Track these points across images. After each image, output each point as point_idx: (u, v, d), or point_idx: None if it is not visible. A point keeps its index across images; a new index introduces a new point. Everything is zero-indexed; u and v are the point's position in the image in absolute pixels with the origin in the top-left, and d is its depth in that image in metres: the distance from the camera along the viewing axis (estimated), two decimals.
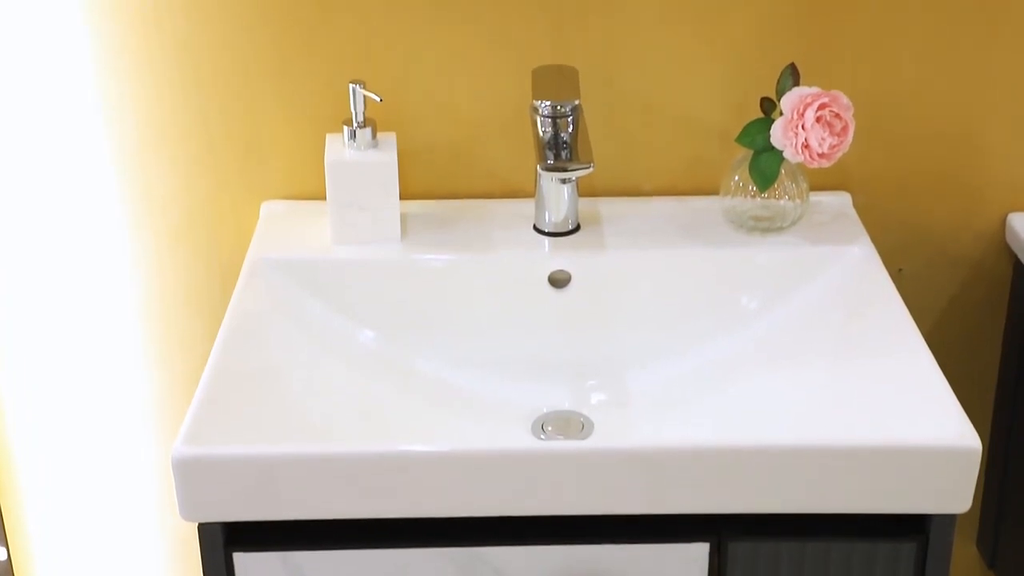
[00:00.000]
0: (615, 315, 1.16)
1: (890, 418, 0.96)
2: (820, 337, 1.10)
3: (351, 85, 1.12)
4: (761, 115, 1.14)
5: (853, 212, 1.22)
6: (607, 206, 1.23)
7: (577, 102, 1.07)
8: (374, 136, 1.14)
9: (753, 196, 1.16)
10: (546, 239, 1.18)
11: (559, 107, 1.06)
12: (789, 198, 1.16)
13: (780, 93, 1.12)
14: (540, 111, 1.07)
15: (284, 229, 1.20)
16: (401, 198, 1.22)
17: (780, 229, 1.17)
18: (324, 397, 1.07)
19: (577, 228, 1.19)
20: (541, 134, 1.07)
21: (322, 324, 1.13)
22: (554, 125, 1.06)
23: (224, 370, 1.00)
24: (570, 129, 1.06)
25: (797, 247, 1.15)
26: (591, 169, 1.02)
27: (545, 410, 1.13)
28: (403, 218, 1.20)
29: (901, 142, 1.24)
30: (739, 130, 1.16)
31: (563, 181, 1.12)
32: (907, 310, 1.07)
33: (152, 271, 1.28)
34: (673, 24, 1.17)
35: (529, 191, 1.21)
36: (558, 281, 1.16)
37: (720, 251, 1.15)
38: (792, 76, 1.12)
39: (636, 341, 1.16)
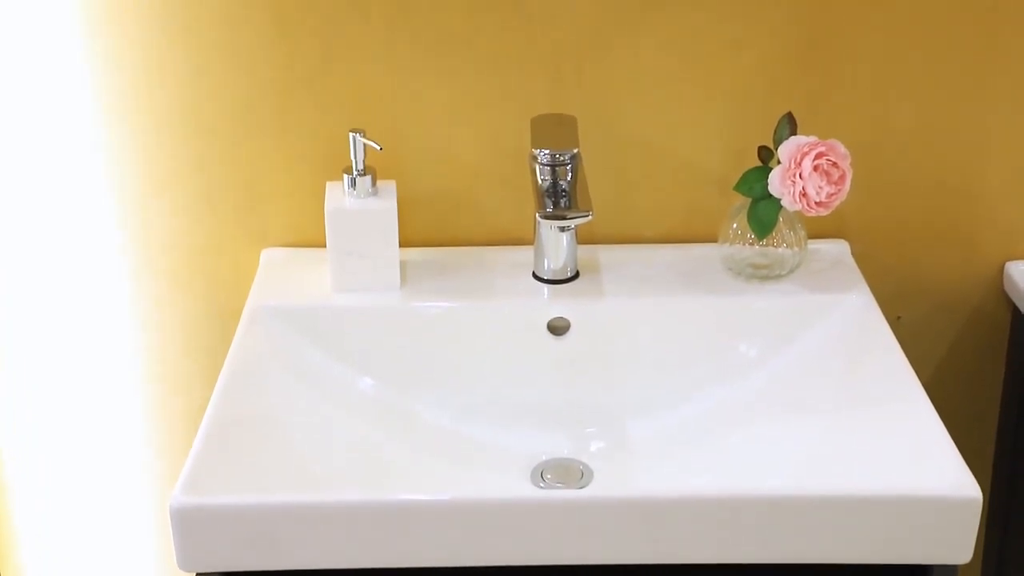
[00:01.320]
0: (614, 362, 1.17)
1: (890, 468, 0.97)
2: (819, 385, 1.11)
3: (351, 134, 1.13)
4: (759, 163, 1.15)
5: (851, 260, 1.23)
6: (606, 253, 1.24)
7: (576, 150, 1.08)
8: (374, 184, 1.16)
9: (751, 244, 1.17)
10: (545, 286, 1.19)
11: (558, 155, 1.08)
12: (787, 246, 1.17)
13: (777, 142, 1.14)
14: (539, 159, 1.08)
15: (284, 276, 1.21)
16: (401, 245, 1.23)
17: (779, 277, 1.18)
18: (323, 446, 1.07)
19: (576, 275, 1.20)
20: (540, 182, 1.08)
21: (321, 372, 1.14)
22: (553, 173, 1.07)
23: (223, 418, 1.00)
24: (569, 177, 1.08)
25: (796, 295, 1.16)
26: (590, 217, 1.03)
27: (544, 458, 1.13)
28: (403, 265, 1.21)
29: (899, 191, 1.25)
30: (738, 177, 1.18)
31: (562, 229, 1.13)
32: (906, 358, 1.08)
33: (151, 316, 1.29)
34: (672, 72, 1.18)
35: (528, 239, 1.22)
36: (557, 328, 1.16)
37: (719, 299, 1.16)
38: (789, 125, 1.14)
39: (635, 388, 1.17)
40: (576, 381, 1.17)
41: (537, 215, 1.05)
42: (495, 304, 1.16)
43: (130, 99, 1.18)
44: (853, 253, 1.24)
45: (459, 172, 1.23)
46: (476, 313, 1.16)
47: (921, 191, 1.25)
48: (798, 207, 1.10)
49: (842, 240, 1.25)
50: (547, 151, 1.07)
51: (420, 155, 1.22)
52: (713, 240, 1.23)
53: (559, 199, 1.06)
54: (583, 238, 1.22)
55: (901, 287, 1.30)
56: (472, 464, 1.12)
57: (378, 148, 1.12)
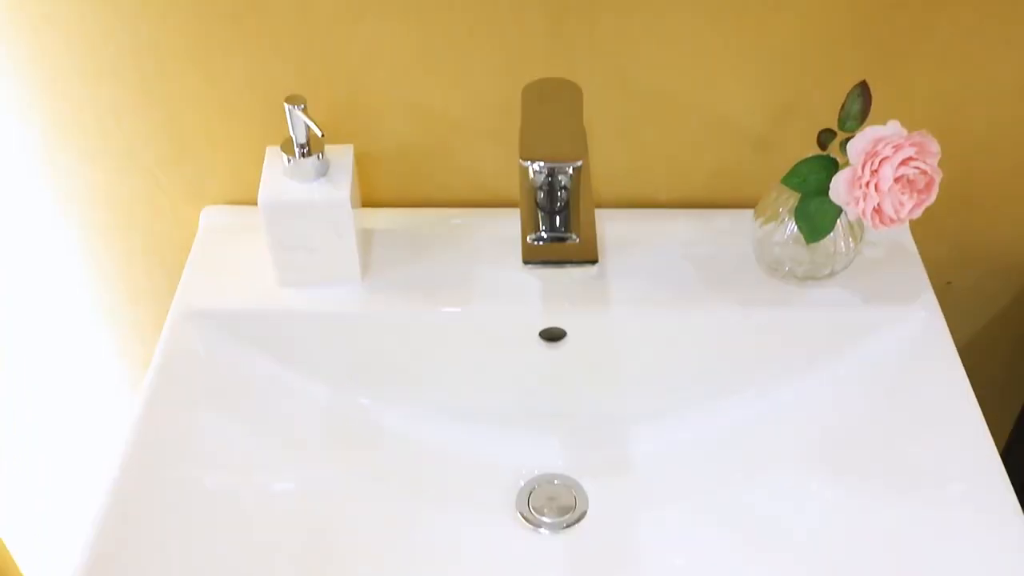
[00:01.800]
0: (616, 378, 0.80)
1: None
2: (861, 437, 0.75)
3: (287, 106, 0.71)
4: (798, 134, 0.73)
5: (912, 244, 0.83)
6: (613, 224, 0.84)
7: (580, 162, 0.66)
8: (321, 157, 0.74)
9: (795, 236, 0.77)
10: (537, 281, 0.79)
11: (557, 170, 0.66)
12: (841, 241, 0.77)
13: (844, 120, 0.71)
14: (532, 172, 0.66)
15: (222, 252, 0.82)
16: (368, 205, 0.83)
17: (824, 278, 0.79)
18: (263, 507, 0.72)
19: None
20: (531, 200, 0.67)
21: (264, 388, 0.77)
22: (550, 193, 0.66)
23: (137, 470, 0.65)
24: (568, 200, 0.66)
25: (842, 308, 0.78)
26: (594, 268, 0.63)
27: (535, 486, 0.79)
28: (366, 238, 0.81)
29: (973, 148, 0.83)
30: (775, 138, 0.77)
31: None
32: (979, 410, 0.71)
33: (93, 268, 0.91)
34: (697, 13, 0.74)
35: (513, 199, 0.82)
36: (552, 335, 0.79)
37: (747, 311, 0.78)
38: (862, 98, 0.71)
39: (638, 409, 0.80)
40: (572, 394, 0.81)
41: (523, 260, 0.65)
42: (477, 309, 0.78)
43: (22, 35, 0.75)
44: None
45: (432, 125, 0.81)
46: (454, 320, 0.78)
47: (983, 152, 0.83)
48: (867, 223, 0.70)
49: None
50: (542, 163, 0.65)
51: (384, 106, 0.80)
52: (741, 205, 0.83)
53: (554, 230, 0.65)
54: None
55: (954, 252, 0.91)
56: (449, 501, 0.78)
57: (320, 134, 0.70)
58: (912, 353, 0.75)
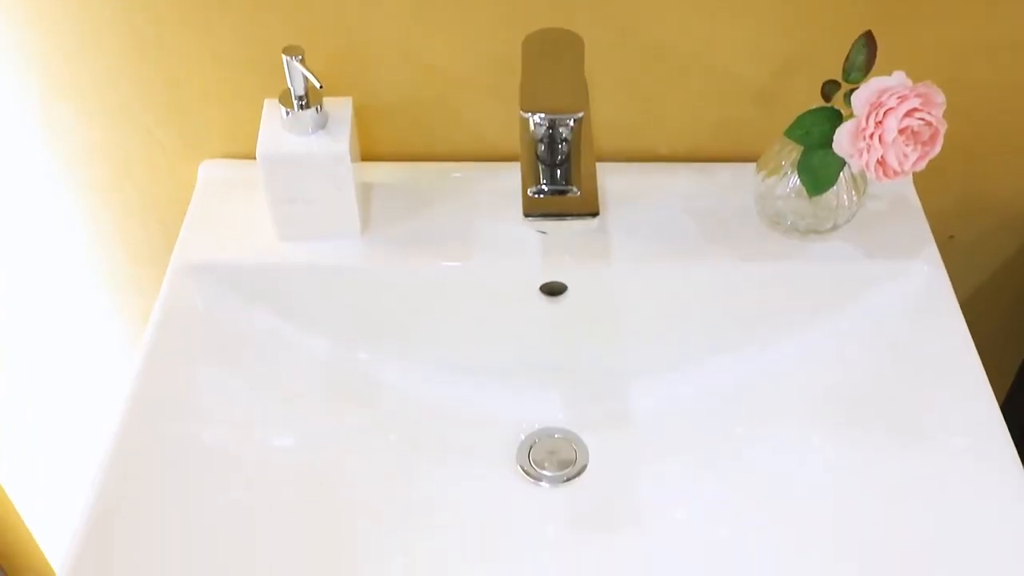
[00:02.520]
0: (618, 331, 0.80)
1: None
2: (863, 391, 0.74)
3: (285, 57, 0.70)
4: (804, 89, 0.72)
5: (915, 197, 0.82)
6: (614, 178, 0.83)
7: (581, 114, 0.65)
8: (320, 110, 0.73)
9: (798, 190, 0.76)
10: (537, 235, 0.78)
11: (557, 122, 0.65)
12: (844, 194, 0.76)
13: (849, 71, 0.70)
14: (533, 123, 0.65)
15: (221, 206, 0.81)
16: (367, 159, 0.83)
17: (827, 231, 0.78)
18: (262, 461, 0.72)
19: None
20: (531, 153, 0.66)
21: (263, 342, 0.77)
22: (550, 145, 0.65)
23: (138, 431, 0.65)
24: (569, 153, 0.65)
25: (843, 262, 0.77)
26: (595, 222, 0.63)
27: (536, 440, 0.79)
28: (366, 191, 0.81)
29: (978, 100, 0.82)
30: (778, 91, 0.76)
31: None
32: (981, 365, 0.71)
33: (90, 227, 0.90)
34: None
35: (514, 153, 0.81)
36: (553, 290, 0.78)
37: (748, 265, 0.77)
38: (867, 48, 0.70)
39: (640, 362, 0.80)
40: (573, 348, 0.80)
41: (524, 213, 0.64)
42: (477, 263, 0.77)
43: None
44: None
45: (432, 77, 0.80)
46: (454, 275, 0.77)
47: (988, 104, 0.82)
48: (871, 175, 0.69)
49: None
50: (543, 115, 0.64)
51: (382, 59, 0.78)
52: (743, 158, 0.82)
53: (555, 183, 0.64)
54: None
55: (957, 205, 0.90)
56: (447, 459, 0.78)
57: (318, 85, 0.69)
58: (914, 307, 0.75)
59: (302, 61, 0.70)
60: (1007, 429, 0.67)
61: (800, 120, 0.72)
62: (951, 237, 0.92)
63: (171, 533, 0.65)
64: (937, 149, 0.69)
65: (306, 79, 0.71)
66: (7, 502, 1.18)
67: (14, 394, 1.06)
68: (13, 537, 1.22)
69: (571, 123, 0.64)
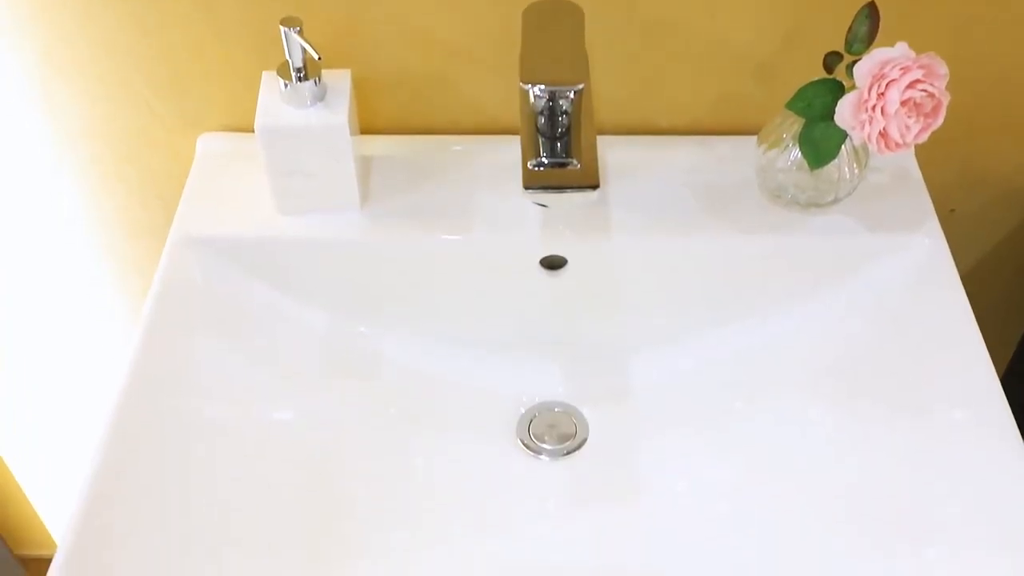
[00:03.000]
0: (618, 304, 0.79)
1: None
2: (864, 364, 0.74)
3: (283, 28, 0.69)
4: (807, 67, 0.72)
5: (916, 170, 0.82)
6: (615, 151, 0.82)
7: (581, 86, 0.64)
8: (318, 82, 0.73)
9: (799, 163, 0.76)
10: (537, 208, 0.78)
11: (558, 94, 0.64)
12: (846, 167, 0.76)
13: (851, 43, 0.70)
14: (533, 96, 0.64)
15: (219, 179, 0.81)
16: (366, 132, 0.82)
17: (828, 204, 0.77)
18: (262, 435, 0.72)
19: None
20: (532, 126, 0.65)
21: (263, 316, 0.77)
22: (551, 117, 0.65)
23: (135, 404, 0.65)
24: (569, 125, 0.65)
25: (844, 235, 0.77)
26: (595, 194, 0.62)
27: (536, 414, 0.79)
28: (366, 164, 0.80)
29: (981, 72, 0.81)
30: (779, 63, 0.76)
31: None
32: (983, 342, 0.71)
33: (89, 202, 0.89)
34: None
35: (513, 126, 0.80)
36: (553, 263, 0.78)
37: (749, 238, 0.77)
38: (869, 20, 0.69)
39: (640, 333, 0.80)
40: (573, 322, 0.80)
41: (523, 185, 0.63)
42: (477, 237, 0.77)
43: None
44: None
45: (431, 49, 0.79)
46: (454, 248, 0.77)
47: (990, 76, 0.81)
48: (872, 148, 0.68)
49: None
50: (543, 87, 0.63)
51: (381, 30, 0.78)
52: (744, 132, 0.82)
53: (555, 155, 0.64)
54: None
55: (958, 178, 0.90)
56: (447, 433, 0.78)
57: (316, 57, 0.69)
58: (915, 280, 0.75)
59: (300, 33, 0.69)
60: (1007, 402, 0.67)
61: (802, 92, 0.71)
62: (952, 210, 0.92)
63: (171, 506, 0.65)
64: (939, 121, 0.68)
65: (304, 51, 0.70)
66: (9, 475, 1.18)
67: (16, 368, 1.06)
68: (15, 510, 1.22)
69: (571, 95, 0.63)
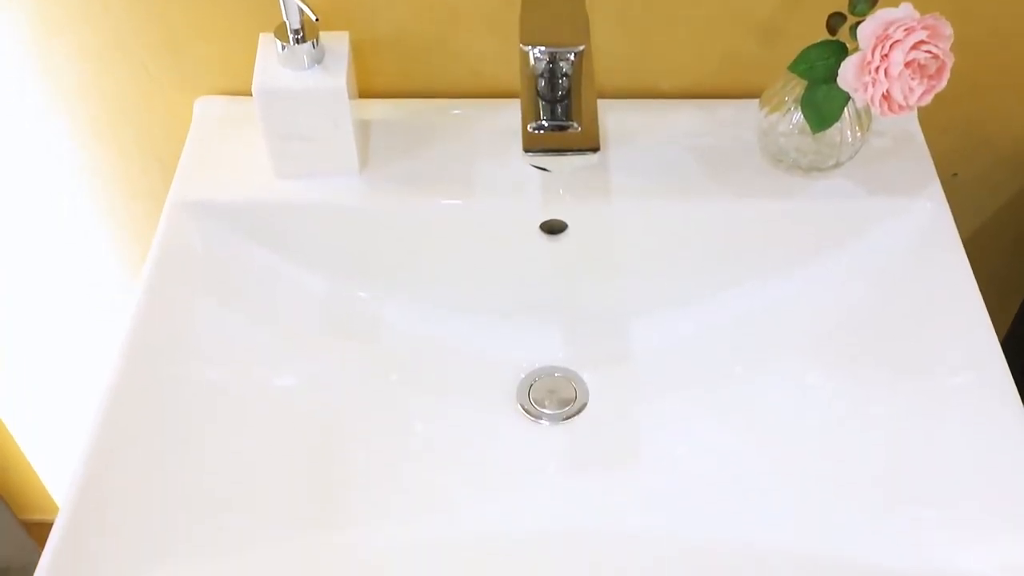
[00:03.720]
0: (618, 268, 0.79)
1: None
2: (865, 329, 0.74)
3: None
4: (815, 30, 0.71)
5: (919, 134, 0.81)
6: (615, 115, 0.82)
7: (582, 47, 0.63)
8: (316, 45, 0.72)
9: (801, 126, 0.75)
10: (537, 172, 0.77)
11: (558, 55, 0.63)
12: (848, 130, 0.75)
13: (855, 3, 0.69)
14: (533, 58, 0.64)
15: (218, 143, 0.80)
16: (365, 96, 0.81)
17: (829, 168, 0.77)
18: (262, 400, 0.72)
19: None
20: (531, 89, 0.65)
21: (261, 280, 0.77)
22: (551, 79, 0.64)
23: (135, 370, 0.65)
24: (569, 88, 0.64)
25: (846, 199, 0.76)
26: (595, 157, 0.62)
27: (536, 379, 0.79)
28: (365, 128, 0.80)
29: (985, 34, 0.80)
30: (782, 26, 0.75)
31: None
32: (981, 301, 0.71)
33: (86, 164, 0.89)
34: None
35: (514, 89, 0.79)
36: (553, 228, 0.78)
37: (750, 202, 0.76)
38: None
39: (639, 298, 0.80)
40: (573, 287, 0.80)
41: (523, 148, 0.63)
42: (477, 201, 0.76)
43: None
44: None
45: (430, 12, 0.78)
46: (454, 213, 0.77)
47: (995, 38, 0.80)
48: (875, 110, 0.68)
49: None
50: (543, 48, 0.63)
51: None
52: (746, 95, 0.81)
53: (555, 118, 0.63)
54: None
55: (962, 141, 0.89)
56: (447, 397, 0.78)
57: (314, 18, 0.68)
58: (917, 245, 0.74)
59: None
60: (1007, 367, 0.67)
61: (804, 54, 0.70)
62: (955, 175, 0.91)
63: (172, 470, 0.65)
64: (943, 83, 0.67)
65: (302, 12, 0.69)
66: (11, 441, 1.18)
67: (16, 333, 1.06)
68: (18, 475, 1.23)
69: (572, 57, 0.63)
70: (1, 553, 1.18)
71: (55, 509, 1.28)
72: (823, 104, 0.71)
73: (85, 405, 1.14)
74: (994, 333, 0.69)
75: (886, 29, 0.65)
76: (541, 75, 0.64)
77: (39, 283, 1.01)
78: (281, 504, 0.67)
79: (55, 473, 1.25)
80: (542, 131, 0.63)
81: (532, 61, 0.63)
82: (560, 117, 0.63)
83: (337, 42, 0.74)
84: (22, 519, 1.26)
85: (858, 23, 0.68)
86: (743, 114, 0.81)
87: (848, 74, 0.67)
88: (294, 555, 0.63)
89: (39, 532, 1.25)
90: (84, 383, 1.12)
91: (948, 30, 0.66)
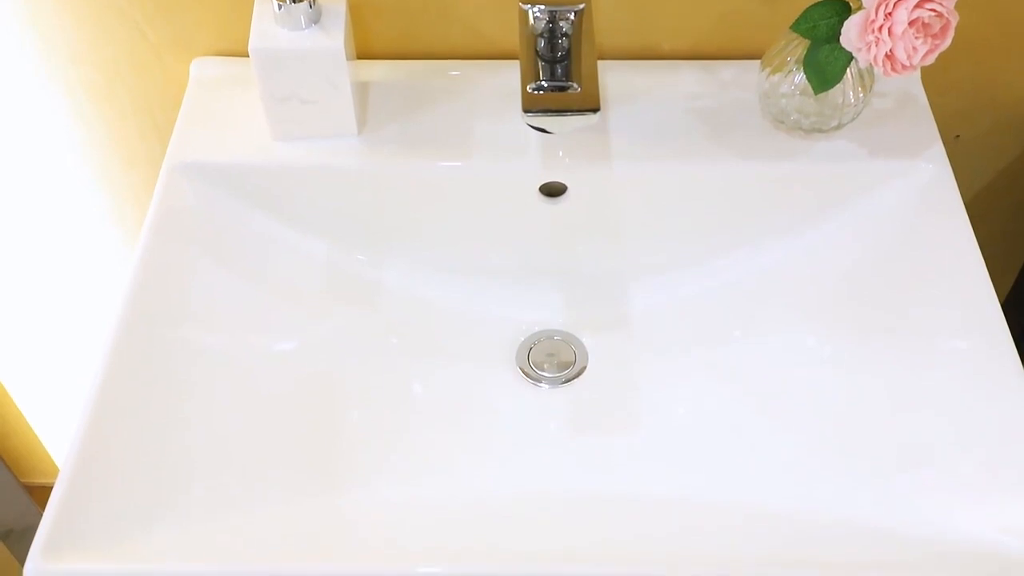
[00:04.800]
0: (618, 230, 0.79)
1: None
2: (866, 291, 0.74)
3: None
4: None
5: (922, 95, 0.80)
6: (615, 76, 0.81)
7: (582, 5, 0.62)
8: (313, 4, 0.71)
9: (803, 87, 0.74)
10: (537, 134, 0.76)
11: (558, 14, 0.62)
12: (850, 91, 0.74)
13: None
14: (532, 16, 0.63)
15: (214, 104, 0.79)
16: (362, 57, 0.80)
17: (831, 130, 0.76)
18: (261, 363, 0.72)
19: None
20: (531, 48, 0.64)
21: (259, 243, 0.76)
22: (551, 39, 0.63)
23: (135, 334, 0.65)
24: (569, 48, 0.63)
25: (848, 161, 0.75)
26: (596, 117, 0.61)
27: (535, 342, 0.79)
28: (362, 90, 0.79)
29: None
30: None
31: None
32: (983, 264, 0.70)
33: (79, 130, 0.88)
34: None
35: (514, 50, 0.79)
36: (553, 190, 0.77)
37: (751, 164, 0.76)
38: None
39: (639, 260, 0.79)
40: (573, 250, 0.80)
41: (523, 109, 0.62)
42: (476, 163, 0.76)
43: None
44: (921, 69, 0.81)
45: None
46: (453, 175, 0.76)
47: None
48: (879, 69, 0.67)
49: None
50: (543, 7, 0.62)
51: None
52: (747, 56, 0.80)
53: (555, 79, 0.62)
54: None
55: (964, 102, 0.88)
56: (447, 361, 0.77)
57: None
58: (919, 207, 0.74)
59: None
60: (1008, 331, 0.67)
61: (807, 13, 0.70)
62: (957, 136, 0.90)
63: (171, 434, 0.65)
64: (947, 43, 0.67)
65: None
66: (12, 405, 1.18)
67: (15, 298, 1.06)
68: (19, 439, 1.23)
69: (571, 16, 0.62)
70: (4, 517, 1.18)
71: (57, 472, 1.29)
72: (825, 64, 0.70)
73: (86, 369, 1.13)
74: (995, 295, 0.68)
75: None
76: (541, 35, 0.63)
77: (38, 249, 1.00)
78: (280, 465, 0.67)
79: (57, 437, 1.25)
80: (542, 92, 0.62)
81: (532, 20, 0.62)
82: (560, 77, 0.63)
83: (334, 2, 0.73)
84: (24, 483, 1.26)
85: None
86: (744, 75, 0.80)
87: (851, 33, 0.66)
88: (293, 516, 0.63)
89: (41, 495, 1.26)
90: (84, 347, 1.11)
91: None
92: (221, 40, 0.81)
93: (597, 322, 0.80)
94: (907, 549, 0.58)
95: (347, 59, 0.72)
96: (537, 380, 0.77)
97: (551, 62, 0.64)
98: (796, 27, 0.70)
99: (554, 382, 0.77)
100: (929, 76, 0.81)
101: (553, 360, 0.78)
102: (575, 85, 0.62)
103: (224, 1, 0.78)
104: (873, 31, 0.65)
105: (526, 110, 0.61)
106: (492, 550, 0.59)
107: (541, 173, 0.75)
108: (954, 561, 0.56)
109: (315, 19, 0.71)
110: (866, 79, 0.74)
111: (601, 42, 0.81)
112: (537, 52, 0.64)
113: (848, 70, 0.72)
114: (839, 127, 0.76)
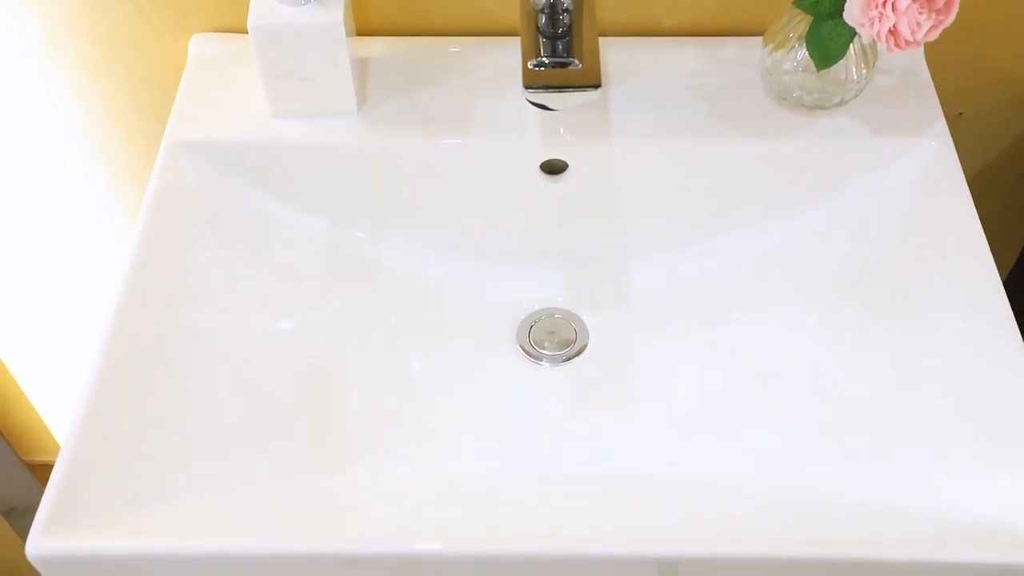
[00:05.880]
0: (619, 209, 0.78)
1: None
2: (868, 269, 0.73)
3: None
4: None
5: (926, 72, 0.79)
6: (616, 53, 0.80)
7: None
8: None
9: (806, 63, 0.74)
10: (538, 111, 0.76)
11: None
12: (853, 68, 0.73)
13: None
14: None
15: (213, 81, 0.78)
16: (362, 33, 0.80)
17: (833, 107, 0.75)
18: (261, 342, 0.72)
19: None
20: (532, 26, 0.63)
21: (259, 222, 0.76)
22: (552, 16, 0.62)
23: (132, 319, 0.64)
24: (570, 24, 0.63)
25: (850, 138, 0.75)
26: (597, 93, 0.60)
27: (536, 320, 0.79)
28: (362, 67, 0.78)
29: None
30: None
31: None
32: (985, 242, 0.70)
33: (76, 107, 0.87)
34: None
35: (514, 27, 0.78)
36: (554, 168, 0.76)
37: (752, 141, 0.75)
38: None
39: (640, 239, 0.79)
40: (573, 228, 0.79)
41: (524, 85, 0.61)
42: (476, 140, 0.75)
43: None
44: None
45: None
46: (453, 152, 0.75)
47: None
48: (882, 45, 0.66)
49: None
50: None
51: None
52: (748, 32, 0.79)
53: (556, 55, 0.62)
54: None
55: (968, 79, 0.87)
56: (447, 339, 0.77)
57: None
58: (921, 184, 0.73)
59: None
60: (1011, 310, 0.66)
61: None
62: (960, 114, 0.90)
63: (171, 412, 0.64)
64: (951, 18, 0.66)
65: None
66: (13, 383, 1.18)
67: (16, 277, 1.05)
68: (20, 417, 1.23)
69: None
70: (5, 494, 1.18)
71: (58, 450, 1.29)
72: (828, 40, 0.69)
73: (86, 347, 1.13)
74: (997, 273, 0.68)
75: None
76: (542, 10, 0.62)
77: (38, 228, 0.99)
78: (280, 443, 0.67)
79: (58, 415, 1.25)
80: (542, 68, 0.62)
81: None
82: (561, 54, 0.62)
83: None
84: (26, 460, 1.26)
85: None
86: (747, 52, 0.79)
87: (854, 8, 0.66)
88: (293, 494, 0.63)
89: (43, 473, 1.26)
90: (85, 325, 1.11)
91: None
92: (220, 17, 0.81)
93: (598, 300, 0.79)
94: (909, 527, 0.58)
95: (346, 35, 0.71)
96: (538, 358, 0.76)
97: (552, 38, 0.63)
98: (799, 2, 0.69)
99: (555, 360, 0.76)
100: (932, 52, 0.80)
101: (554, 338, 0.77)
102: (576, 61, 0.62)
103: None
104: (876, 6, 0.64)
105: (527, 86, 0.60)
106: (493, 528, 0.59)
107: (542, 150, 0.75)
108: (956, 539, 0.56)
109: None
110: (869, 55, 0.73)
111: (602, 18, 0.80)
112: (538, 28, 0.63)
113: (851, 46, 0.71)
114: (842, 104, 0.75)
